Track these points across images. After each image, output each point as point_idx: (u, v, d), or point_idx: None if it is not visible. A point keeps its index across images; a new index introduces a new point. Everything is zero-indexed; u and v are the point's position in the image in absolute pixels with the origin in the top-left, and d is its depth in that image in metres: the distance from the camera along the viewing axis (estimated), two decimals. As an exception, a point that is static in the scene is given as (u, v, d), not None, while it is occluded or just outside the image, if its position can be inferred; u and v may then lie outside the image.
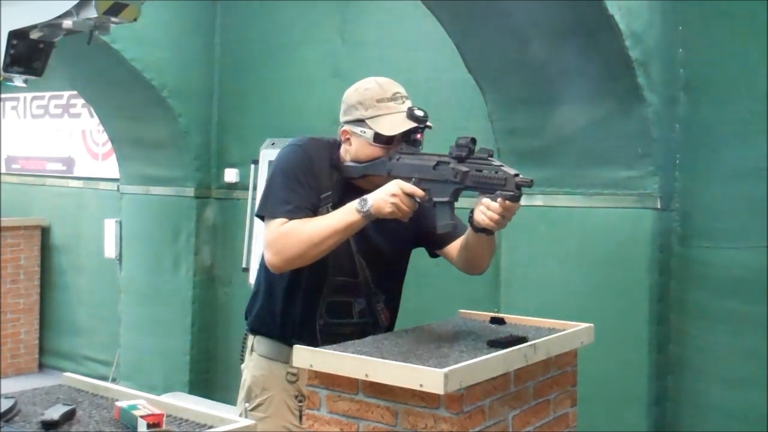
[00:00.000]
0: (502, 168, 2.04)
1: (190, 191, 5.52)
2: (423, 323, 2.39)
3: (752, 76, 3.50)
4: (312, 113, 4.92)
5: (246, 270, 5.18)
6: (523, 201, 3.76)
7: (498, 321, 2.43)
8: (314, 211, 2.27)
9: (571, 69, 3.47)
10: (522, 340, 2.08)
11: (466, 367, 1.81)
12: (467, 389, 1.82)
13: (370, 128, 2.26)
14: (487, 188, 2.05)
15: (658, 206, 3.57)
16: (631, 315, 3.58)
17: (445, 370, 1.74)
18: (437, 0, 3.50)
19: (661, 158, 3.58)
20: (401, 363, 1.84)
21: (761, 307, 3.44)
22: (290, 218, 2.24)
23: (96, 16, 1.83)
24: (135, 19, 1.90)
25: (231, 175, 5.47)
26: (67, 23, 1.86)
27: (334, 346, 2.04)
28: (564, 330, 2.30)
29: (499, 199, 2.02)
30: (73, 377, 1.99)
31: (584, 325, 2.36)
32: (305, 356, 1.97)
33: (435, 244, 2.41)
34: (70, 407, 1.69)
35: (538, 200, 3.80)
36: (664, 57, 3.59)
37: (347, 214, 2.19)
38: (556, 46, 3.42)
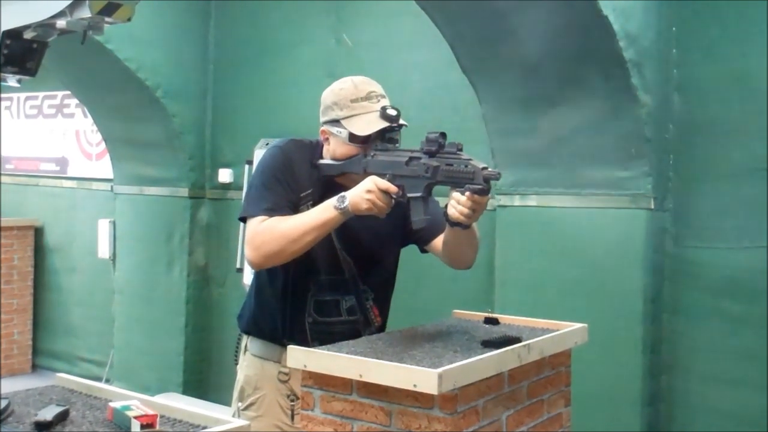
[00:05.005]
0: (470, 161, 2.05)
1: (184, 191, 5.51)
2: (417, 323, 2.39)
3: (746, 77, 3.51)
4: (306, 114, 4.87)
5: (240, 270, 5.18)
6: (517, 201, 3.84)
7: (492, 321, 2.43)
8: (294, 210, 2.29)
9: (565, 70, 3.47)
10: (516, 340, 2.08)
11: (460, 367, 1.82)
12: (461, 389, 1.82)
13: (345, 128, 2.27)
14: (456, 182, 2.06)
15: (652, 206, 3.57)
16: (624, 315, 3.59)
17: (439, 370, 1.74)
18: (432, 0, 3.51)
19: (655, 159, 3.59)
20: (395, 363, 1.84)
21: (755, 307, 3.45)
22: (269, 216, 2.26)
23: (90, 16, 1.83)
24: (129, 19, 1.90)
25: (225, 175, 5.46)
26: (61, 23, 1.86)
27: (329, 346, 2.04)
28: (558, 330, 2.30)
29: (467, 193, 2.03)
30: (66, 378, 1.98)
31: (578, 325, 2.36)
32: (299, 356, 1.97)
33: (420, 241, 2.42)
34: (63, 408, 1.69)
35: (532, 200, 3.81)
36: (658, 57, 3.60)
37: (325, 211, 2.20)
38: (550, 46, 3.42)
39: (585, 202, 3.68)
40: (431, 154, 2.12)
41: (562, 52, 3.42)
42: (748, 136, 3.51)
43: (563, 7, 3.24)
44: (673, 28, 3.69)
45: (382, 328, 2.43)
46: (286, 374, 2.37)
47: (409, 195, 2.16)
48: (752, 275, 3.46)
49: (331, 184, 2.32)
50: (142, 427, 1.58)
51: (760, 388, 3.41)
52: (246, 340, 2.50)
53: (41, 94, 6.98)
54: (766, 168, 3.43)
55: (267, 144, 4.89)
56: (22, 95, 7.12)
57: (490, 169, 2.02)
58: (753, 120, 3.48)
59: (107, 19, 1.87)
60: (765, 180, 3.43)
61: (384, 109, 2.25)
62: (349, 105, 2.28)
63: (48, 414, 1.64)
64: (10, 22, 1.91)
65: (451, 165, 2.08)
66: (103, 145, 6.04)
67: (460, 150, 2.10)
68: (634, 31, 3.40)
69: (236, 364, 2.54)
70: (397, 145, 2.28)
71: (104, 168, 6.22)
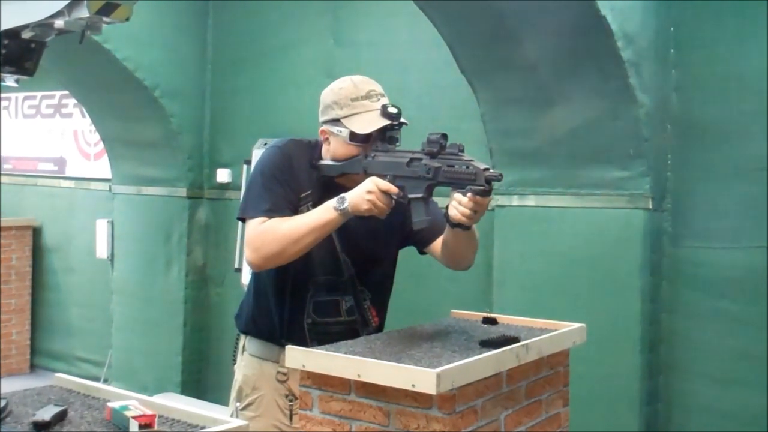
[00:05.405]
0: (472, 163, 2.05)
1: (182, 191, 5.51)
2: (415, 323, 2.39)
3: (744, 77, 3.52)
4: (304, 114, 4.87)
5: (238, 270, 5.17)
6: (516, 201, 3.84)
7: (490, 321, 2.43)
8: (294, 210, 2.29)
9: (564, 70, 3.48)
10: (514, 340, 2.08)
11: (458, 367, 1.81)
12: (459, 389, 1.82)
13: (346, 127, 2.27)
14: (458, 183, 2.06)
15: (650, 206, 3.58)
16: (622, 315, 3.59)
17: (438, 370, 1.74)
18: (430, 0, 3.51)
19: (653, 158, 3.59)
20: (393, 363, 1.84)
21: (752, 307, 3.46)
22: (269, 217, 2.25)
23: (88, 15, 1.83)
24: (127, 19, 1.89)
25: (223, 175, 5.46)
26: (59, 23, 1.85)
27: (327, 346, 2.04)
28: (556, 330, 2.30)
29: (469, 194, 2.03)
30: (64, 378, 1.98)
31: (576, 325, 2.36)
32: (298, 357, 1.97)
33: (420, 242, 2.42)
34: (61, 408, 1.69)
35: (531, 200, 3.81)
36: (656, 58, 3.60)
37: (325, 213, 2.20)
38: (548, 46, 3.42)
39: (583, 202, 3.68)
40: (432, 155, 2.12)
41: (560, 52, 3.43)
42: (747, 136, 3.51)
43: (561, 7, 3.24)
44: (672, 28, 3.69)
45: (379, 329, 2.43)
46: (284, 374, 2.37)
47: (410, 196, 2.15)
48: (750, 275, 3.46)
49: (330, 184, 2.32)
50: (141, 427, 1.58)
51: (759, 388, 3.42)
52: (244, 340, 2.50)
53: (39, 94, 6.97)
54: (765, 168, 3.44)
55: (265, 144, 4.88)
56: (20, 95, 7.12)
57: (492, 171, 2.02)
58: (751, 120, 3.49)
59: (105, 18, 1.86)
60: (763, 180, 3.44)
61: (385, 107, 2.25)
62: (350, 104, 2.27)
63: (46, 414, 1.64)
64: (8, 22, 1.91)
65: (453, 166, 2.07)
66: (101, 145, 6.04)
67: (462, 151, 2.10)
68: (632, 31, 3.40)
69: (234, 364, 2.54)
70: (397, 144, 2.27)
71: (102, 168, 6.21)
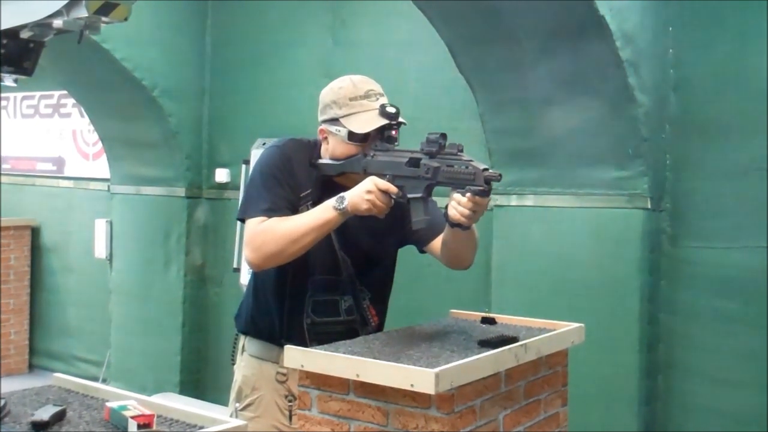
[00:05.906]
0: (471, 163, 2.05)
1: (181, 191, 5.51)
2: (414, 323, 2.39)
3: (743, 76, 3.52)
4: (303, 113, 4.89)
5: (237, 270, 5.17)
6: (514, 201, 3.84)
7: (489, 321, 2.43)
8: (293, 210, 2.29)
9: (562, 69, 3.48)
10: (513, 340, 2.09)
11: (457, 367, 1.82)
12: (458, 389, 1.82)
13: (344, 127, 2.27)
14: (457, 183, 2.06)
15: (649, 206, 3.58)
16: (621, 315, 3.59)
17: (436, 370, 1.74)
18: (429, 0, 3.51)
19: (652, 158, 3.59)
20: (392, 363, 1.84)
21: (752, 307, 3.45)
22: (269, 217, 2.26)
23: (86, 15, 1.82)
24: (125, 19, 1.89)
25: (222, 175, 5.46)
26: (58, 23, 1.85)
27: (326, 346, 2.04)
28: (555, 330, 2.30)
29: (468, 194, 2.03)
30: (63, 378, 1.98)
31: (575, 324, 2.36)
32: (296, 356, 1.97)
33: (420, 242, 2.42)
34: (60, 408, 1.69)
35: (530, 200, 3.81)
36: (654, 57, 3.60)
37: (324, 212, 2.20)
38: (547, 46, 3.42)
39: (582, 202, 3.68)
40: (432, 155, 2.12)
41: (559, 52, 3.43)
42: (745, 136, 3.51)
43: (560, 7, 3.24)
44: (670, 28, 3.69)
45: (379, 329, 2.43)
46: (284, 375, 2.37)
47: (410, 196, 2.16)
48: (749, 275, 3.46)
49: (330, 183, 2.32)
50: (139, 427, 1.58)
51: (758, 388, 3.41)
52: (243, 341, 2.50)
53: (38, 94, 6.97)
54: (765, 168, 3.43)
55: (264, 144, 4.88)
56: (19, 95, 7.11)
57: (491, 171, 2.02)
58: (750, 120, 3.48)
59: (104, 18, 1.86)
60: (763, 180, 3.43)
61: (383, 106, 2.25)
62: (348, 103, 2.28)
63: (45, 414, 1.64)
64: (7, 22, 1.91)
65: (452, 166, 2.08)
66: (99, 144, 6.04)
67: (461, 151, 2.10)
68: (630, 31, 3.40)
69: (233, 364, 2.54)
70: (396, 143, 2.28)
71: (101, 168, 6.21)
